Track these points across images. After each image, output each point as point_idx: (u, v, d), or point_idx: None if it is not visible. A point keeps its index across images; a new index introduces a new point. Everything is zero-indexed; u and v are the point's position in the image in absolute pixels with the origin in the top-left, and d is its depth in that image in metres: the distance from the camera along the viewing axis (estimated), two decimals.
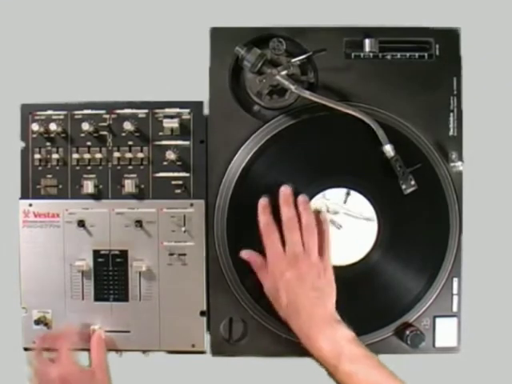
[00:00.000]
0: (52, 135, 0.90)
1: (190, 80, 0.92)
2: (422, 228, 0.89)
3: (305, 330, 0.82)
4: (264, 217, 0.86)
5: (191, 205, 0.90)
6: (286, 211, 0.85)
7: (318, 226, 0.86)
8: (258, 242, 0.86)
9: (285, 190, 0.87)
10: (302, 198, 0.87)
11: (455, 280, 0.90)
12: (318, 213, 0.87)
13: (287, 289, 0.83)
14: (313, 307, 0.82)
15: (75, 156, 0.90)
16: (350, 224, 0.89)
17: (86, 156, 0.90)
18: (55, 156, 0.90)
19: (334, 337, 0.80)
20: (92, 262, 0.90)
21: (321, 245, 0.85)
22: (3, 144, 0.94)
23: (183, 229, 0.90)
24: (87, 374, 0.85)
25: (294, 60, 0.87)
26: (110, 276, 0.90)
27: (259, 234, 0.86)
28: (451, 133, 0.90)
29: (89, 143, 0.91)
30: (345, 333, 0.81)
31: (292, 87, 0.86)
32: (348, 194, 0.89)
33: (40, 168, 0.91)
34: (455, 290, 0.90)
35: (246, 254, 0.87)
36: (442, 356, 0.91)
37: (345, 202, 0.89)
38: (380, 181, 0.89)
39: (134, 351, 0.91)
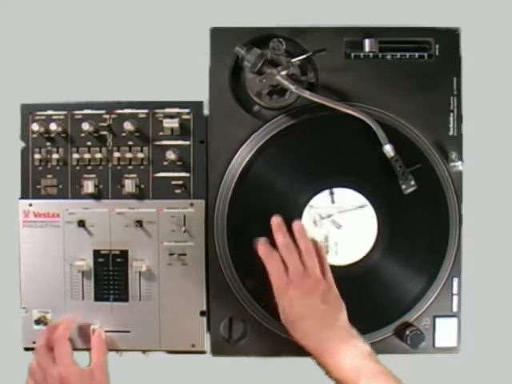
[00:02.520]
0: (52, 135, 0.91)
1: (190, 80, 0.92)
2: (421, 228, 0.89)
3: (319, 348, 0.80)
4: (263, 248, 0.85)
5: (191, 205, 0.90)
6: (281, 238, 0.85)
7: (316, 252, 0.85)
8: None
9: (275, 220, 0.86)
10: (296, 225, 0.86)
11: (455, 280, 0.90)
12: (313, 241, 0.87)
13: (294, 308, 0.82)
14: (324, 323, 0.81)
15: (75, 156, 0.90)
16: (349, 224, 0.89)
17: (86, 156, 0.90)
18: (55, 156, 0.90)
19: (353, 354, 0.79)
20: (92, 262, 0.90)
21: (322, 267, 0.85)
22: (3, 144, 0.94)
23: (183, 229, 0.90)
24: (86, 374, 0.85)
25: (294, 60, 0.87)
26: (110, 276, 0.90)
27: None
28: (451, 133, 0.90)
29: (89, 143, 0.91)
30: (362, 348, 0.80)
31: (292, 87, 0.86)
32: (332, 193, 0.89)
33: (40, 168, 0.91)
34: (455, 290, 0.90)
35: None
36: (442, 356, 0.91)
37: (332, 201, 0.89)
38: (380, 181, 0.89)
39: (134, 351, 0.91)
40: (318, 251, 0.86)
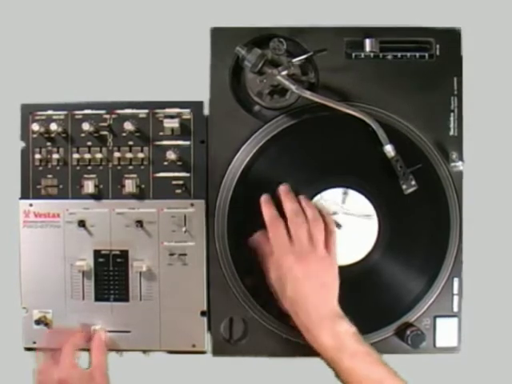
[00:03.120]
0: (52, 135, 0.90)
1: (190, 80, 0.92)
2: (422, 228, 0.89)
3: (307, 324, 0.82)
4: (268, 210, 0.86)
5: (192, 205, 0.90)
6: (290, 205, 0.85)
7: (322, 220, 0.85)
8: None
9: (284, 187, 0.87)
10: (302, 196, 0.87)
11: (456, 280, 0.90)
12: (320, 210, 0.87)
13: (294, 284, 0.82)
14: (317, 303, 0.82)
15: (76, 156, 0.90)
16: (350, 224, 0.89)
17: (87, 156, 0.90)
18: (55, 156, 0.90)
19: (337, 331, 0.80)
20: (92, 262, 0.90)
21: (327, 239, 0.85)
22: (3, 144, 0.94)
23: (183, 229, 0.90)
24: (86, 376, 0.85)
25: (294, 60, 0.87)
26: (110, 276, 0.90)
27: (262, 228, 0.85)
28: (451, 133, 0.90)
29: (89, 143, 0.90)
30: (347, 328, 0.81)
31: (293, 87, 0.86)
32: (345, 193, 0.89)
33: (40, 168, 0.91)
34: (456, 290, 0.90)
35: (257, 238, 0.87)
36: (443, 356, 0.91)
37: (343, 201, 0.89)
38: (380, 181, 0.89)
39: (134, 351, 0.91)
40: (324, 219, 0.86)
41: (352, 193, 0.89)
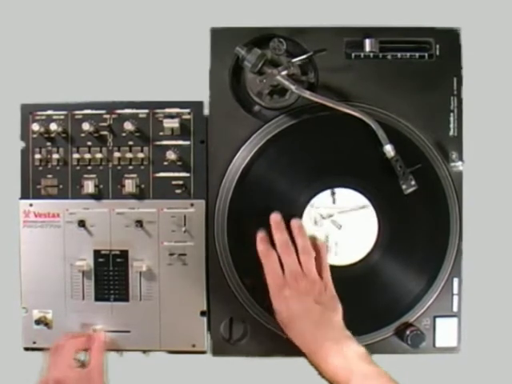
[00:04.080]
0: (52, 135, 0.90)
1: (190, 80, 0.92)
2: (422, 228, 0.89)
3: (312, 347, 0.81)
4: (261, 245, 0.86)
5: (191, 205, 0.90)
6: (279, 236, 0.85)
7: (315, 250, 0.86)
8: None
9: (275, 217, 0.86)
10: (295, 223, 0.87)
11: (455, 280, 0.90)
12: (314, 239, 0.87)
13: (288, 308, 0.83)
14: (319, 323, 0.81)
15: (75, 156, 0.90)
16: (350, 224, 0.89)
17: (87, 156, 0.90)
18: (55, 156, 0.90)
19: (345, 354, 0.79)
20: (92, 262, 0.90)
21: (319, 266, 0.85)
22: (3, 144, 0.94)
23: (183, 229, 0.90)
24: (84, 376, 0.85)
25: (294, 60, 0.87)
26: (110, 276, 0.90)
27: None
28: (451, 133, 0.90)
29: (89, 143, 0.91)
30: (355, 349, 0.80)
31: (292, 87, 0.86)
32: (333, 193, 0.89)
33: (40, 168, 0.91)
34: (455, 290, 0.90)
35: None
36: (443, 356, 0.91)
37: (333, 202, 0.89)
38: (380, 181, 0.89)
39: (134, 351, 0.91)
40: (318, 249, 0.86)
41: (339, 190, 0.89)
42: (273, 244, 0.86)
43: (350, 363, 0.78)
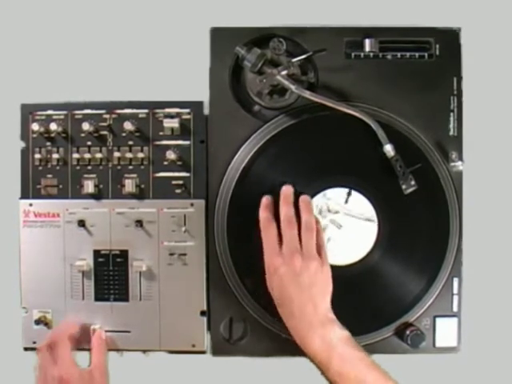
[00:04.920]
0: (52, 135, 0.90)
1: (190, 80, 0.92)
2: (422, 228, 0.89)
3: (298, 328, 0.82)
4: (264, 213, 0.86)
5: (191, 205, 0.90)
6: (285, 210, 0.85)
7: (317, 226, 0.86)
8: (258, 241, 0.86)
9: (286, 190, 0.87)
10: (303, 198, 0.87)
11: (455, 280, 0.90)
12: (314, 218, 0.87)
13: (280, 286, 0.82)
14: (306, 306, 0.81)
15: (75, 156, 0.90)
16: (350, 224, 0.89)
17: (87, 156, 0.90)
18: (55, 156, 0.90)
19: (327, 336, 0.80)
20: (92, 262, 0.90)
21: (319, 245, 0.85)
22: (3, 144, 0.94)
23: (183, 229, 0.90)
24: (86, 375, 0.85)
25: (294, 60, 0.87)
26: (110, 276, 0.90)
27: (259, 232, 0.85)
28: (451, 133, 0.90)
29: (89, 143, 0.91)
30: (338, 332, 0.80)
31: (292, 87, 0.86)
32: (349, 194, 0.89)
33: (40, 168, 0.91)
34: (455, 290, 0.90)
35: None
36: (442, 356, 0.91)
37: (346, 201, 0.89)
38: (380, 181, 0.89)
39: (134, 351, 0.91)
40: (318, 225, 0.86)
41: (356, 194, 0.89)
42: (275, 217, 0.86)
43: (332, 346, 0.79)
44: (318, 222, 0.87)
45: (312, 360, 0.81)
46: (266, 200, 0.87)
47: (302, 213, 0.85)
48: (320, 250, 0.85)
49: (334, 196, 0.89)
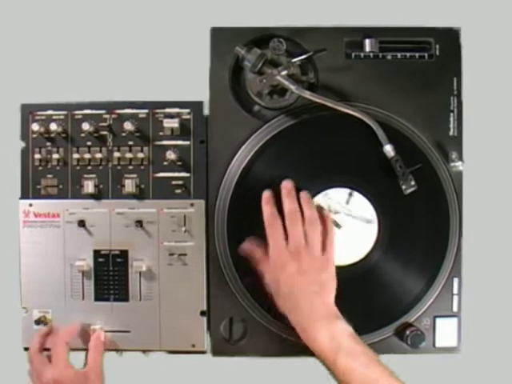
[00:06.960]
0: (52, 135, 0.90)
1: (190, 80, 0.92)
2: (422, 228, 0.89)
3: (303, 323, 0.82)
4: (268, 207, 0.85)
5: (191, 205, 0.90)
6: (289, 204, 0.85)
7: (321, 222, 0.85)
8: (258, 241, 0.86)
9: (286, 184, 0.86)
10: (304, 194, 0.86)
11: (455, 280, 0.90)
12: (320, 209, 0.87)
13: (288, 282, 0.83)
14: (312, 301, 0.82)
15: (75, 156, 0.90)
16: (350, 224, 0.89)
17: (87, 156, 0.90)
18: (55, 156, 0.90)
19: (333, 331, 0.80)
20: (92, 262, 0.90)
21: (324, 240, 0.85)
22: (3, 144, 0.94)
23: (183, 229, 0.90)
24: (80, 376, 0.85)
25: (294, 60, 0.87)
26: (110, 276, 0.90)
27: (262, 228, 0.85)
28: (451, 133, 0.90)
29: (89, 143, 0.91)
30: (344, 328, 0.81)
31: (292, 87, 0.86)
32: (351, 194, 0.89)
33: (40, 168, 0.91)
34: (455, 290, 0.90)
35: (245, 247, 0.87)
36: (442, 356, 0.91)
37: (347, 202, 0.89)
38: (380, 181, 0.89)
39: (134, 351, 0.91)
40: (323, 220, 0.86)
41: (357, 195, 0.89)
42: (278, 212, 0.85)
43: (338, 341, 0.79)
44: (327, 217, 0.87)
45: (317, 354, 0.81)
46: (267, 194, 0.86)
47: (303, 208, 0.85)
48: (326, 246, 0.85)
49: (336, 196, 0.89)
